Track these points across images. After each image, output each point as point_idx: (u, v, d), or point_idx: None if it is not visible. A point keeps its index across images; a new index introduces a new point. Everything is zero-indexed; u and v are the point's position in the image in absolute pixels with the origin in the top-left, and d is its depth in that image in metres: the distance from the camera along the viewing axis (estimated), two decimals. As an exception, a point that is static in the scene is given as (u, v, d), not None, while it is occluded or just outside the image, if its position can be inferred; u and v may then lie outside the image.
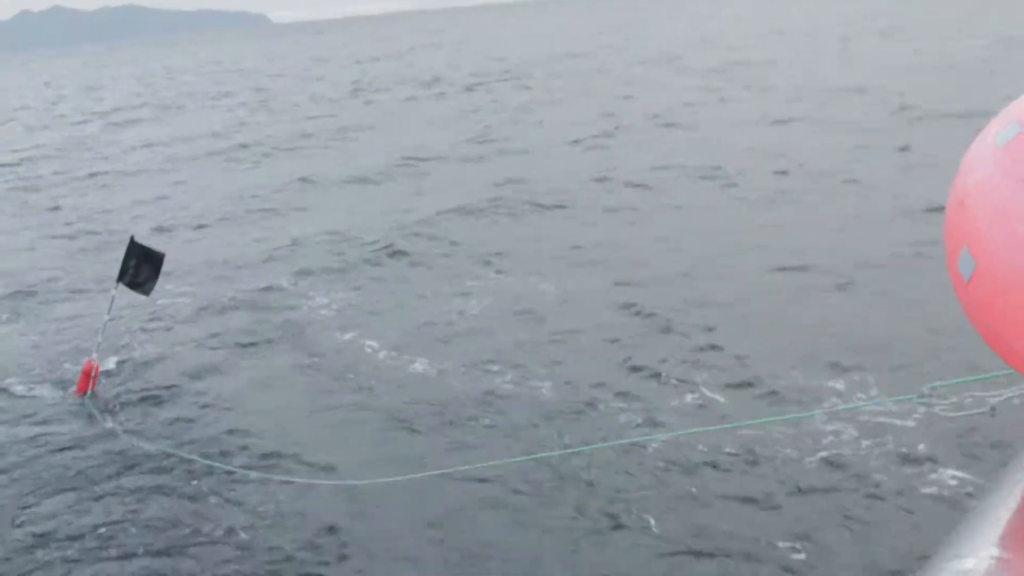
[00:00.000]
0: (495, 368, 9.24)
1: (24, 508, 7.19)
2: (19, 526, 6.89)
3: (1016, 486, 1.59)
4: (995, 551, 1.34)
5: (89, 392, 9.29)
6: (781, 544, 5.75)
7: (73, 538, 6.71)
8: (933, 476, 6.26)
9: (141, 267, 9.42)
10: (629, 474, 6.75)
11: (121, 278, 9.50)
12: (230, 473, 7.61)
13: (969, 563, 1.31)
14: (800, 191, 15.44)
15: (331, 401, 9.11)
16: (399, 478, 7.00)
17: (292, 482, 7.42)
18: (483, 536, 6.47)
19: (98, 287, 13.21)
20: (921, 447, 6.81)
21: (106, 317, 9.68)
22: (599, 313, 10.72)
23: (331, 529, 6.77)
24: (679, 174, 17.58)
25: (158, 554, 6.57)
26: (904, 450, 6.82)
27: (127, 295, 10.07)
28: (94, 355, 9.49)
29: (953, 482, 6.24)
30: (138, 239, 9.72)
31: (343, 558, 6.44)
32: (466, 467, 7.25)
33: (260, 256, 14.36)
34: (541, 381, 8.79)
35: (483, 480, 7.18)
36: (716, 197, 15.76)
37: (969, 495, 6.03)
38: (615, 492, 6.28)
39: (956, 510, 5.90)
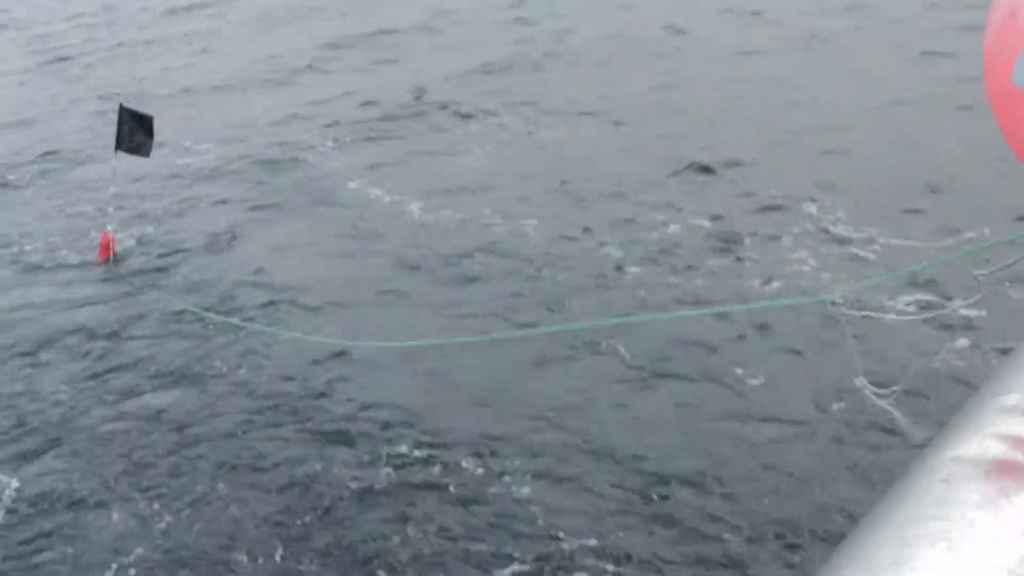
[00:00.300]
0: (488, 212, 9.29)
1: (32, 354, 7.56)
2: (26, 376, 7.25)
3: None
4: None
5: (112, 257, 9.53)
6: (739, 371, 5.80)
7: (76, 381, 7.08)
8: (891, 304, 6.21)
9: (135, 132, 9.45)
10: (601, 306, 6.83)
11: (119, 146, 9.56)
12: (242, 326, 7.84)
13: (1013, 399, 1.30)
14: (832, 33, 14.77)
15: (341, 250, 9.35)
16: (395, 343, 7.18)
17: (296, 335, 7.65)
18: (464, 373, 6.64)
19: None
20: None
21: (112, 188, 9.81)
22: (608, 158, 10.62)
23: (328, 375, 7.05)
24: (713, 16, 16.91)
25: (161, 391, 6.93)
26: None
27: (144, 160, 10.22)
28: (108, 227, 9.67)
29: (911, 309, 6.17)
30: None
31: (339, 400, 6.72)
32: (459, 311, 7.42)
33: (281, 116, 14.36)
34: (529, 221, 8.92)
35: (471, 315, 7.34)
36: (748, 40, 15.17)
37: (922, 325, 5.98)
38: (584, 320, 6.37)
39: (908, 347, 5.88)
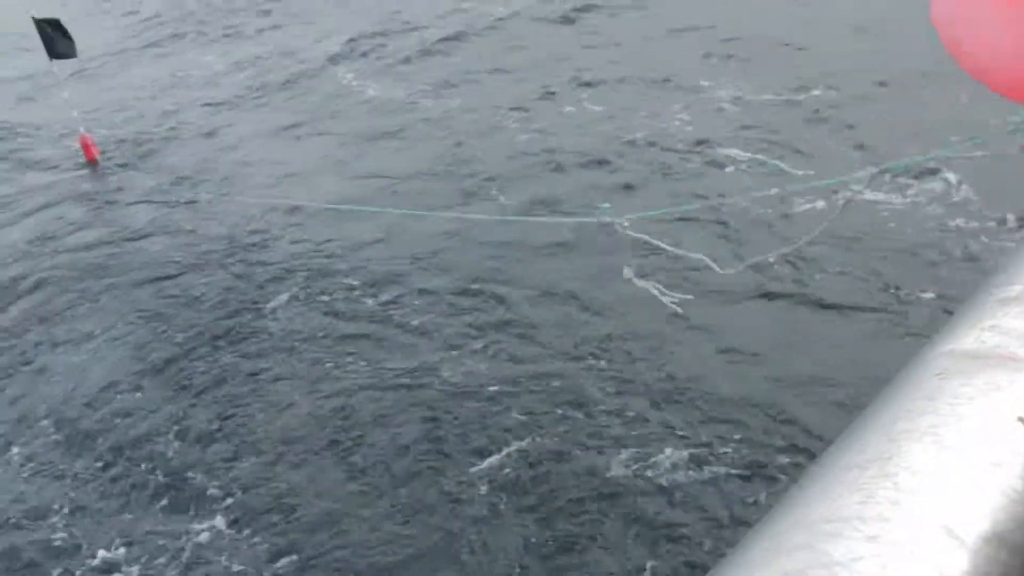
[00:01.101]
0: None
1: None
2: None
3: None
4: None
5: (99, 157, 10.01)
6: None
7: (47, 240, 8.11)
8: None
9: (55, 37, 9.49)
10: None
11: (51, 55, 9.65)
12: (204, 200, 8.53)
13: (1015, 290, 1.28)
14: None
15: (309, 131, 10.12)
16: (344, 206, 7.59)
17: (258, 202, 8.12)
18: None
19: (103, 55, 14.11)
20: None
21: (64, 95, 10.12)
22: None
23: (267, 232, 7.72)
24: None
25: (123, 244, 7.80)
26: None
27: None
28: (81, 129, 10.09)
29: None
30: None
31: (273, 251, 7.35)
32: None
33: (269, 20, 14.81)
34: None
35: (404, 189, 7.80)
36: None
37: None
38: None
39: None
